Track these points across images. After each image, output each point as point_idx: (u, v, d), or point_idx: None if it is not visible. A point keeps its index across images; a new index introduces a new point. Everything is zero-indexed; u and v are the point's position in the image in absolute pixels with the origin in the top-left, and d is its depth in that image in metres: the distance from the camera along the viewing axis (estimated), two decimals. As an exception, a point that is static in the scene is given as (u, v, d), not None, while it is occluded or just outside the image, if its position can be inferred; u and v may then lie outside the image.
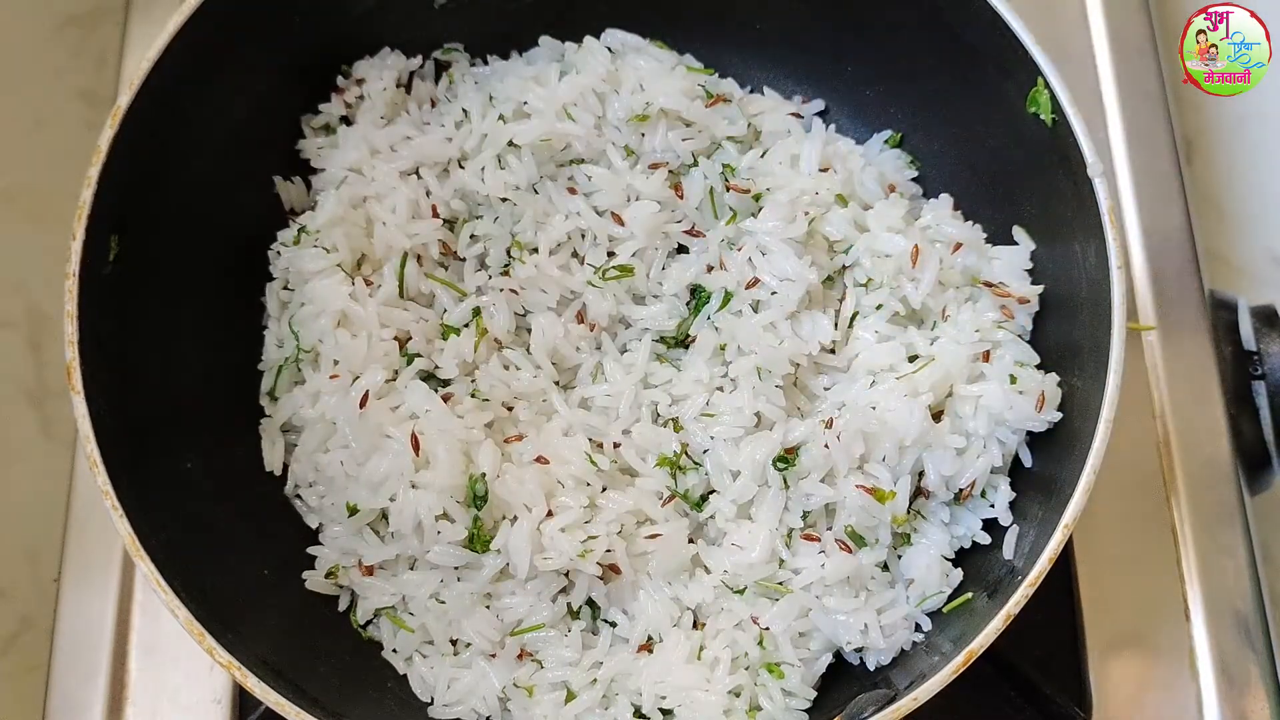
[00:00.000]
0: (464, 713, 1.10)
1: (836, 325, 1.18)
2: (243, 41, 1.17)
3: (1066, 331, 1.12)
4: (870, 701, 1.01)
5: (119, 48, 1.49)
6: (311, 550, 1.16)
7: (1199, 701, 1.20)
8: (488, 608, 1.12)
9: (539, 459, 1.13)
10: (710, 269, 1.20)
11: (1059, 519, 0.99)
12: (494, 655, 1.10)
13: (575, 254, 1.22)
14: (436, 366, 1.18)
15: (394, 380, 1.16)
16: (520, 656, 1.11)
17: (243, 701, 1.20)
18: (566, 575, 1.11)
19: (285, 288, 1.22)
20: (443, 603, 1.11)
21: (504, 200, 1.21)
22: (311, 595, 1.15)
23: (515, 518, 1.10)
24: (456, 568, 1.11)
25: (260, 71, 1.22)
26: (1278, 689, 1.20)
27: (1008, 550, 1.08)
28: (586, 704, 1.07)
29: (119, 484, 1.00)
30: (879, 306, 1.17)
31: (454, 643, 1.13)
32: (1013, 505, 1.11)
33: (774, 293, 1.16)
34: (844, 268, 1.21)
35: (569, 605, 1.12)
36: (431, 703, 1.11)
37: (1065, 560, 1.23)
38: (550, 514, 1.10)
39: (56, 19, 1.56)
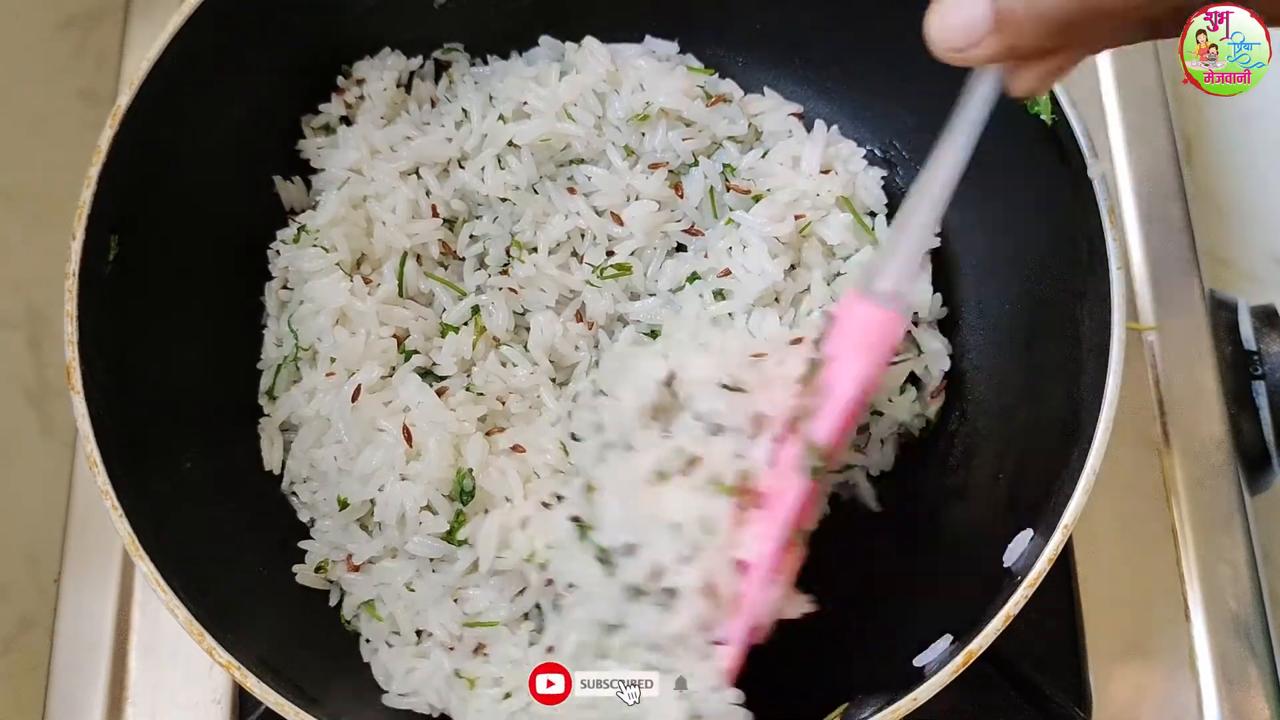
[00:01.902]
0: (417, 704, 1.09)
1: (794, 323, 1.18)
2: (243, 41, 1.17)
3: (1067, 332, 1.12)
4: (870, 701, 1.01)
5: (119, 48, 1.49)
6: (302, 545, 1.16)
7: (1199, 701, 1.20)
8: (455, 601, 1.11)
9: (515, 447, 1.13)
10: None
11: (1059, 519, 0.99)
12: (452, 648, 1.10)
13: (575, 253, 1.22)
14: (434, 363, 1.18)
15: (390, 376, 1.16)
16: (476, 651, 1.11)
17: (243, 701, 1.20)
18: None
19: (285, 287, 1.22)
20: (413, 591, 1.11)
21: (504, 200, 1.21)
22: (311, 594, 1.15)
23: (487, 511, 1.10)
24: (432, 559, 1.11)
25: (260, 71, 1.22)
26: (1278, 689, 1.20)
27: (1009, 555, 1.08)
28: (522, 704, 1.06)
29: (119, 484, 1.00)
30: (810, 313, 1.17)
31: (419, 634, 1.12)
32: (1012, 505, 1.11)
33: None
34: (839, 274, 1.21)
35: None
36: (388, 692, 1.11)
37: (1065, 560, 1.23)
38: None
39: (56, 19, 1.56)
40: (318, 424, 1.15)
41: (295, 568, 1.15)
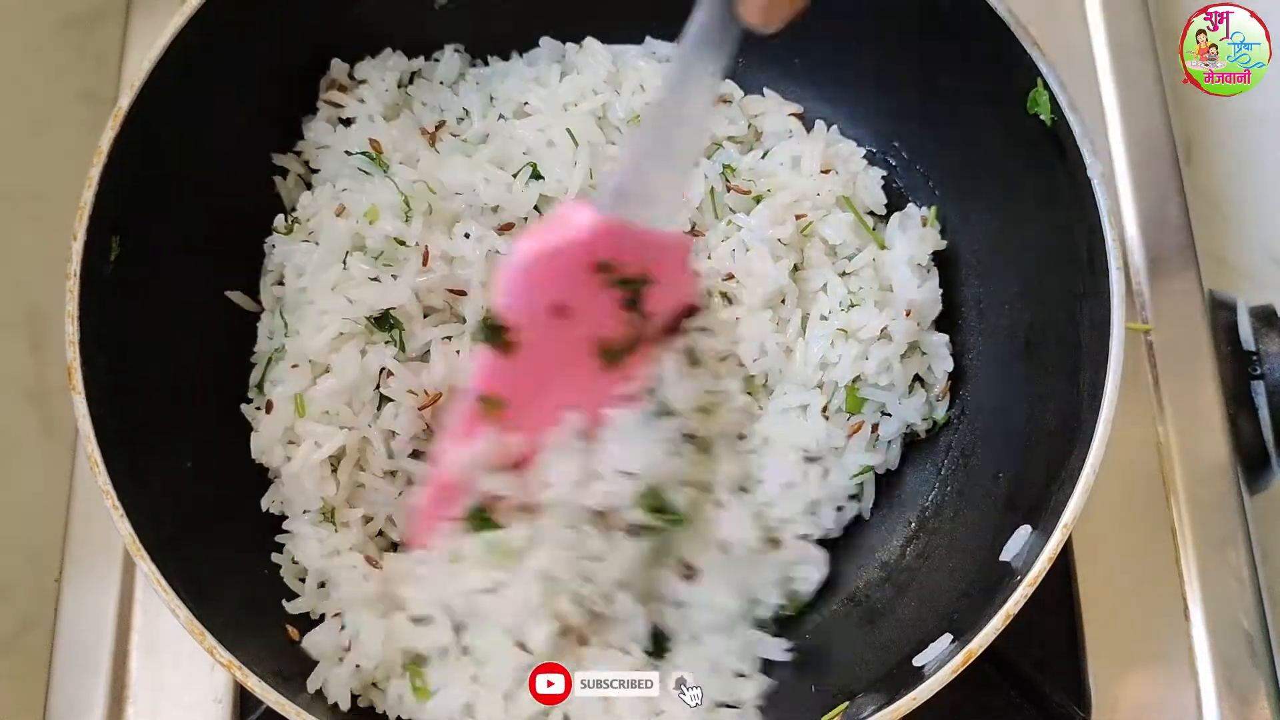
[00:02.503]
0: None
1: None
2: (243, 42, 1.17)
3: (1066, 332, 1.12)
4: (870, 701, 1.01)
5: (120, 48, 1.48)
6: (280, 538, 1.16)
7: (1198, 701, 1.20)
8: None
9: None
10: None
11: (1059, 518, 0.99)
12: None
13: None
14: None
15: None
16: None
17: (243, 701, 1.20)
18: None
19: (278, 283, 1.22)
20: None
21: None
22: (312, 595, 1.15)
23: None
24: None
25: (261, 72, 1.22)
26: (1277, 689, 1.20)
27: (1008, 550, 1.09)
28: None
29: (119, 484, 1.00)
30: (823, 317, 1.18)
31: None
32: (1012, 504, 1.11)
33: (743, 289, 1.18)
34: (844, 273, 1.21)
35: None
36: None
37: (1065, 560, 1.23)
38: None
39: (57, 19, 1.56)
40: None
41: (274, 557, 1.15)
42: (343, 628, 1.09)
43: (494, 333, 1.04)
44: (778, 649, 1.15)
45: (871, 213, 1.24)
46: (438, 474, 1.10)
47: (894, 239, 1.21)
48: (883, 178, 1.26)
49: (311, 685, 1.06)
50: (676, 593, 1.13)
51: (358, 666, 1.07)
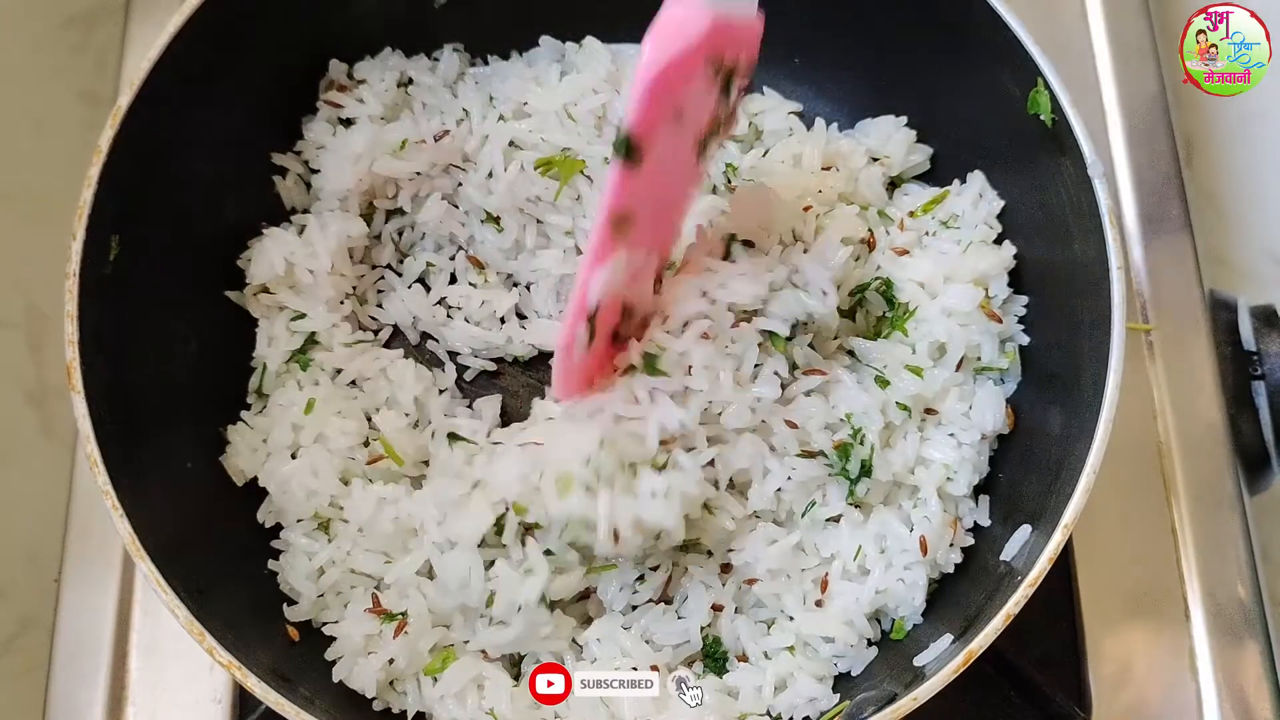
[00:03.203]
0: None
1: None
2: (243, 42, 1.17)
3: (1067, 332, 1.12)
4: (870, 701, 1.01)
5: (119, 48, 1.48)
6: (275, 544, 1.16)
7: (1199, 701, 1.20)
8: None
9: None
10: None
11: (1059, 519, 0.99)
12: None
13: (578, 250, 1.23)
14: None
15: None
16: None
17: (243, 701, 1.20)
18: None
19: (265, 290, 1.23)
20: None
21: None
22: (311, 595, 1.15)
23: None
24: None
25: (260, 72, 1.22)
26: (1278, 689, 1.20)
27: (1008, 550, 1.09)
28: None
29: (119, 484, 1.00)
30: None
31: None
32: (1012, 504, 1.11)
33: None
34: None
35: None
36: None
37: (1065, 560, 1.23)
38: None
39: (56, 19, 1.56)
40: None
41: (270, 564, 1.15)
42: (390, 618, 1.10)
43: (630, 149, 0.95)
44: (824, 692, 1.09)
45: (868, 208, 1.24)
46: (579, 300, 1.02)
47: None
48: (883, 175, 1.26)
49: (336, 675, 1.07)
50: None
51: (391, 661, 1.07)
